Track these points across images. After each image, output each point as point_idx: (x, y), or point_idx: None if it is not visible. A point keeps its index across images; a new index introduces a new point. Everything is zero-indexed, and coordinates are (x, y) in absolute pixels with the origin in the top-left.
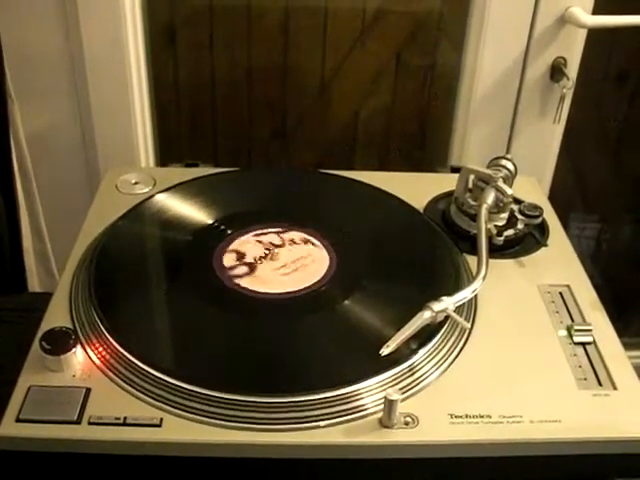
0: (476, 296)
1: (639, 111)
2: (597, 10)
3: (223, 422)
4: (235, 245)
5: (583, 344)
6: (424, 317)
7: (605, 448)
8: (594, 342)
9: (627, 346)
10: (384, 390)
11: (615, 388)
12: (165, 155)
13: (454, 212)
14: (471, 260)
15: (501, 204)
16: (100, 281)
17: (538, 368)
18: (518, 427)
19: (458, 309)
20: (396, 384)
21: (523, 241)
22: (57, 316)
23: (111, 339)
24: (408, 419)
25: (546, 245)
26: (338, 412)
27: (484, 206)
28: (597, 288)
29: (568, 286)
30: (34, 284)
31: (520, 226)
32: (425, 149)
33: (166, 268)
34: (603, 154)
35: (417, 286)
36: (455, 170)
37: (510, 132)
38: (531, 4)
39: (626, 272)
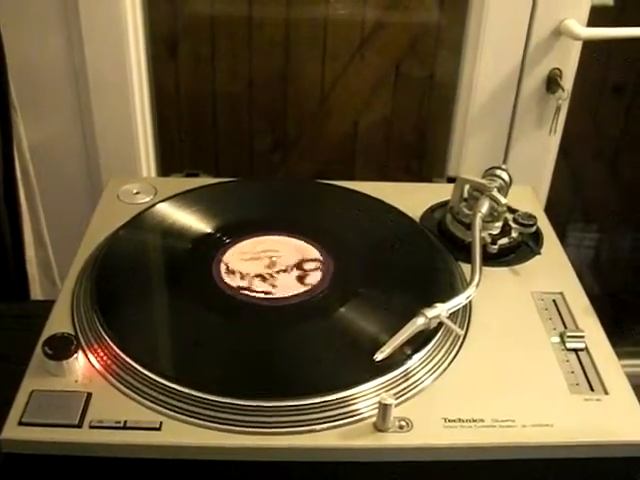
0: (470, 303)
1: (636, 122)
2: (592, 22)
3: (221, 426)
4: (234, 253)
5: (575, 350)
6: (418, 323)
7: (596, 452)
8: (586, 348)
9: (625, 355)
10: (379, 395)
11: (607, 393)
12: (166, 165)
13: (449, 221)
14: (466, 268)
15: (495, 213)
16: (101, 288)
17: (531, 373)
18: (511, 431)
19: (452, 316)
20: (391, 389)
21: (517, 249)
22: (59, 322)
23: (112, 344)
24: (402, 423)
25: (540, 253)
26: (334, 416)
27: (478, 215)
28: (596, 297)
29: (561, 293)
30: (36, 292)
31: (514, 235)
32: (424, 159)
33: (166, 276)
34: (601, 164)
35: (412, 293)
36: (451, 180)
37: (507, 142)
38: (527, 16)
39: (624, 281)
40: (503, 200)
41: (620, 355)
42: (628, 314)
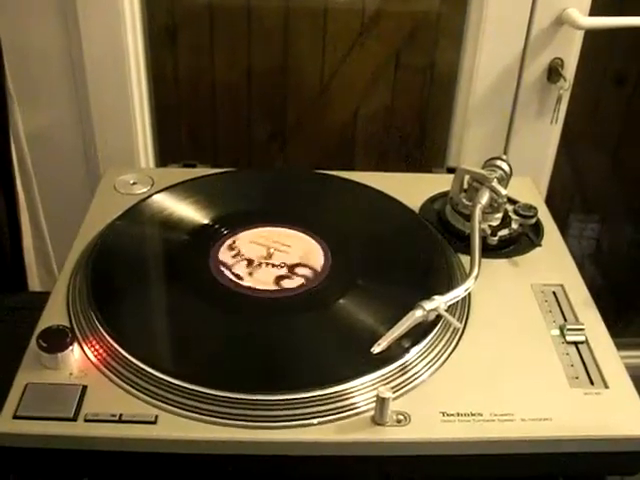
0: (469, 295)
1: (638, 112)
2: (595, 12)
3: (217, 419)
4: (231, 245)
5: (575, 343)
6: (415, 316)
7: (596, 446)
8: (586, 341)
9: (627, 346)
10: (376, 388)
11: (607, 387)
12: (165, 155)
13: (449, 212)
14: (466, 260)
15: (495, 204)
16: (97, 280)
17: (530, 366)
18: (509, 425)
19: (451, 308)
20: (388, 382)
21: (517, 241)
22: (54, 314)
23: (107, 337)
24: (400, 417)
25: (540, 245)
26: (331, 410)
27: (478, 206)
28: (597, 288)
29: (561, 285)
30: (34, 283)
31: (514, 226)
32: (424, 149)
33: (162, 267)
34: (603, 155)
35: (411, 285)
36: (451, 170)
37: (508, 132)
38: (528, 5)
39: (626, 272)
40: (503, 191)
41: (621, 346)
42: (629, 305)
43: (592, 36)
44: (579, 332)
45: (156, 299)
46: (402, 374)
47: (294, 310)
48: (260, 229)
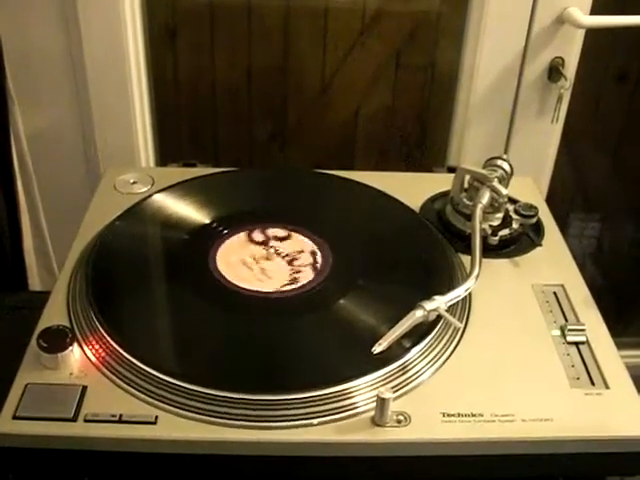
0: (470, 295)
1: (639, 110)
2: (596, 11)
3: (218, 419)
4: (231, 244)
5: (576, 343)
6: (416, 316)
7: (597, 447)
8: (587, 342)
9: (627, 346)
10: (376, 388)
11: (607, 387)
12: (165, 155)
13: (450, 212)
14: (466, 260)
15: (496, 204)
16: (97, 280)
17: (531, 367)
18: (510, 426)
19: (452, 308)
20: (389, 382)
21: (518, 241)
22: (55, 314)
23: (107, 337)
24: (400, 417)
25: (541, 245)
26: (331, 410)
27: (479, 206)
28: (598, 288)
29: (562, 286)
30: (35, 283)
31: (515, 226)
32: (424, 149)
33: (163, 267)
34: (604, 154)
35: (411, 285)
36: (452, 170)
37: (508, 132)
38: (529, 4)
39: (627, 272)
40: (504, 191)
41: (621, 346)
42: (630, 305)
43: (593, 35)
44: (580, 332)
45: (156, 299)
46: (402, 374)
47: (294, 310)
48: (260, 229)
